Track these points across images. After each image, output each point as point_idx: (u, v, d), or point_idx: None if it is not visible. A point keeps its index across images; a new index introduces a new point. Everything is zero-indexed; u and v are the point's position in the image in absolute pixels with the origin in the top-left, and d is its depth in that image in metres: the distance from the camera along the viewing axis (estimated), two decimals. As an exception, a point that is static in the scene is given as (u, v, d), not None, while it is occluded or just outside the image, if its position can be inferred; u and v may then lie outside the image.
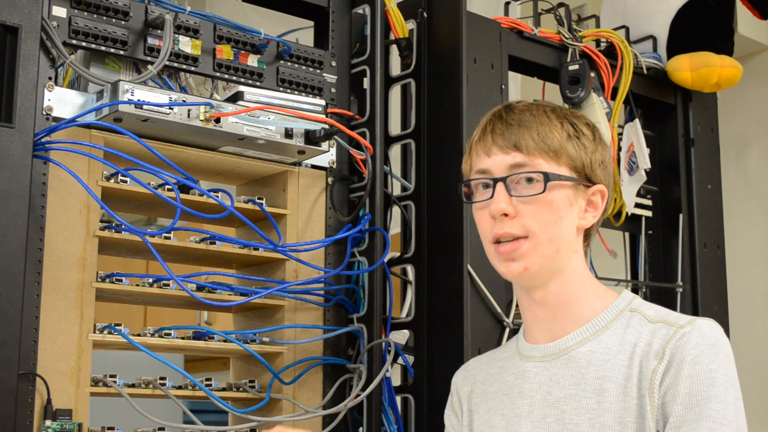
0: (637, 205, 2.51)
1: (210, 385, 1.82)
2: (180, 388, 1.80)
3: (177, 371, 1.72)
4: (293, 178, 1.96)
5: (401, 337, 2.05)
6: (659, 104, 2.60)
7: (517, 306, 2.06)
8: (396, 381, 2.04)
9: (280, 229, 1.88)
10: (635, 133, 2.45)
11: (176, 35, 1.81)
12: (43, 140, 1.63)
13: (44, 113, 1.66)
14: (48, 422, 1.59)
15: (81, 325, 1.66)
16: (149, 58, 1.78)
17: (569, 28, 2.35)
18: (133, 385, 1.74)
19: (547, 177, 1.42)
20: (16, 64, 1.64)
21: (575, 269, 1.48)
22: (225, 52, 1.87)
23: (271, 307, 1.94)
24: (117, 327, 1.70)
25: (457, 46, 2.04)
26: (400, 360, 2.02)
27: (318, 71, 2.01)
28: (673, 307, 2.49)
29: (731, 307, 2.61)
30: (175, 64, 1.81)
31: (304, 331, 1.92)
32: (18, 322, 1.57)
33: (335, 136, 1.95)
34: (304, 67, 1.99)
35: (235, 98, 1.84)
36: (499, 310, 2.02)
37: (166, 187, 1.76)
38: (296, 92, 1.96)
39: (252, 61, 1.91)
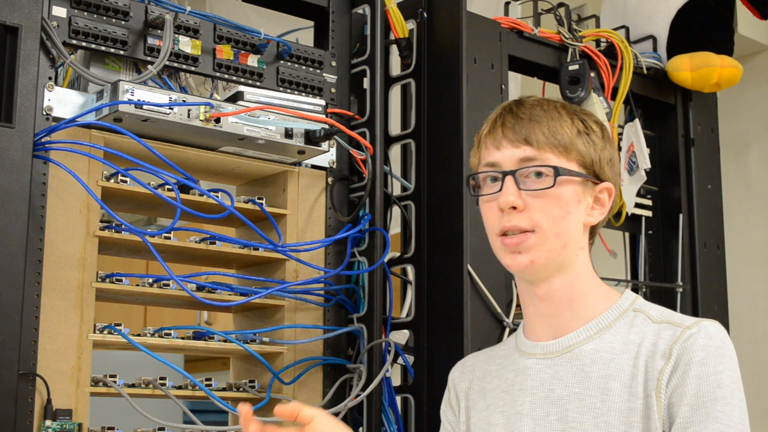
0: (637, 205, 2.51)
1: (210, 385, 1.82)
2: (180, 388, 1.80)
3: (177, 371, 1.72)
4: (293, 178, 1.96)
5: (401, 337, 2.05)
6: (659, 104, 2.60)
7: (517, 306, 2.07)
8: (396, 381, 2.04)
9: (280, 229, 1.88)
10: (635, 133, 2.45)
11: (176, 35, 1.81)
12: (43, 140, 1.63)
13: (44, 113, 1.66)
14: (48, 422, 1.59)
15: (81, 325, 1.66)
16: (149, 58, 1.78)
17: (569, 28, 2.35)
18: (133, 385, 1.74)
19: (557, 171, 1.42)
20: (16, 64, 1.64)
21: (580, 266, 1.48)
22: (225, 52, 1.87)
23: (271, 307, 1.94)
24: (117, 327, 1.70)
25: (457, 46, 2.04)
26: (400, 360, 2.02)
27: (318, 71, 2.01)
28: (673, 307, 2.49)
29: (731, 307, 2.61)
30: (175, 64, 1.81)
31: (304, 331, 1.92)
32: (18, 322, 1.57)
33: (335, 136, 1.95)
34: (304, 67, 1.99)
35: (235, 98, 1.84)
36: (499, 310, 2.02)
37: (166, 187, 1.76)
38: (296, 92, 1.96)
39: (252, 61, 1.91)
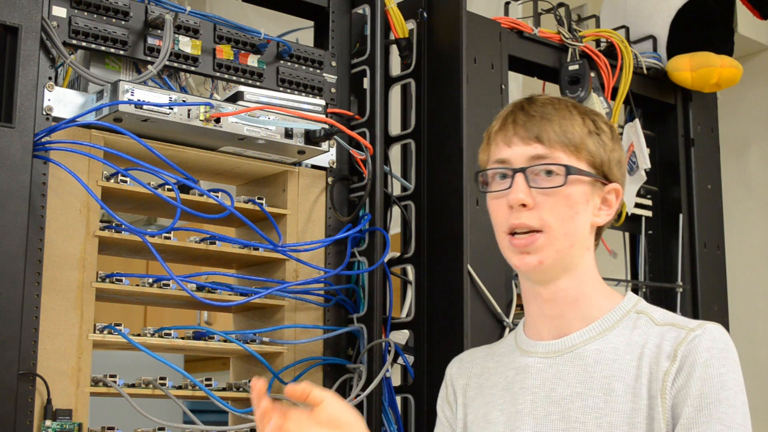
0: (637, 205, 2.51)
1: (210, 385, 1.82)
2: (180, 388, 1.80)
3: (177, 371, 1.72)
4: (293, 178, 1.96)
5: (401, 337, 2.05)
6: (659, 104, 2.60)
7: (517, 306, 2.07)
8: (396, 381, 2.04)
9: (280, 229, 1.88)
10: (635, 133, 2.45)
11: (176, 35, 1.81)
12: (43, 140, 1.63)
13: (44, 113, 1.66)
14: (48, 422, 1.59)
15: (81, 325, 1.66)
16: (149, 58, 1.78)
17: (569, 28, 2.35)
18: (133, 385, 1.74)
19: (569, 170, 1.42)
20: (16, 64, 1.64)
21: (586, 267, 1.48)
22: (225, 52, 1.87)
23: (271, 307, 1.94)
24: (117, 327, 1.70)
25: (457, 46, 2.04)
26: (400, 360, 2.02)
27: (318, 71, 2.01)
28: (673, 307, 2.50)
29: (731, 307, 2.61)
30: (175, 64, 1.81)
31: (304, 331, 1.92)
32: (18, 322, 1.57)
33: (335, 136, 1.95)
34: (304, 67, 1.99)
35: (235, 98, 1.84)
36: (499, 310, 2.02)
37: (166, 187, 1.76)
38: (296, 92, 1.96)
39: (252, 61, 1.91)
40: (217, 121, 1.76)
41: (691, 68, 2.51)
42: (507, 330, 2.03)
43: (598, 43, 2.48)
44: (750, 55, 3.70)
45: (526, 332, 1.54)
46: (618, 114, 2.37)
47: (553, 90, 2.42)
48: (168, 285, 1.77)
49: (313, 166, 2.00)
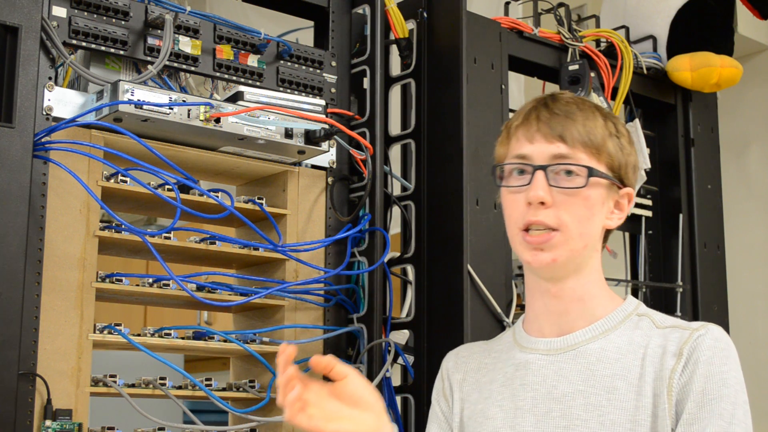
0: (637, 205, 2.51)
1: (210, 385, 1.82)
2: (180, 388, 1.80)
3: (177, 371, 1.72)
4: (293, 178, 1.96)
5: (401, 337, 2.05)
6: (659, 104, 2.60)
7: (517, 306, 2.07)
8: (396, 381, 2.04)
9: (280, 229, 1.88)
10: (635, 133, 2.45)
11: (176, 35, 1.81)
12: (43, 140, 1.63)
13: (44, 113, 1.66)
14: (48, 422, 1.59)
15: (81, 325, 1.66)
16: (149, 58, 1.78)
17: (569, 28, 2.35)
18: (133, 385, 1.74)
19: (591, 172, 1.42)
20: (16, 64, 1.64)
21: (593, 268, 1.49)
22: (225, 52, 1.87)
23: (271, 307, 1.94)
24: (117, 327, 1.70)
25: (457, 46, 2.04)
26: (400, 360, 2.02)
27: (318, 71, 2.01)
28: (673, 307, 2.50)
29: (731, 307, 2.61)
30: (175, 64, 1.81)
31: (304, 331, 1.92)
32: (18, 322, 1.57)
33: (335, 136, 1.95)
34: (304, 67, 1.99)
35: (235, 98, 1.84)
36: (499, 310, 2.02)
37: (166, 187, 1.76)
38: (296, 92, 1.96)
39: (252, 61, 1.91)
40: (217, 121, 1.76)
41: (691, 68, 2.51)
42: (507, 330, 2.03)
43: (598, 43, 2.48)
44: (750, 55, 3.70)
45: (526, 329, 1.54)
46: (618, 114, 2.37)
47: (553, 90, 2.42)
48: (168, 285, 1.77)
49: (313, 166, 2.00)
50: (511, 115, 2.17)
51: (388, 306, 2.01)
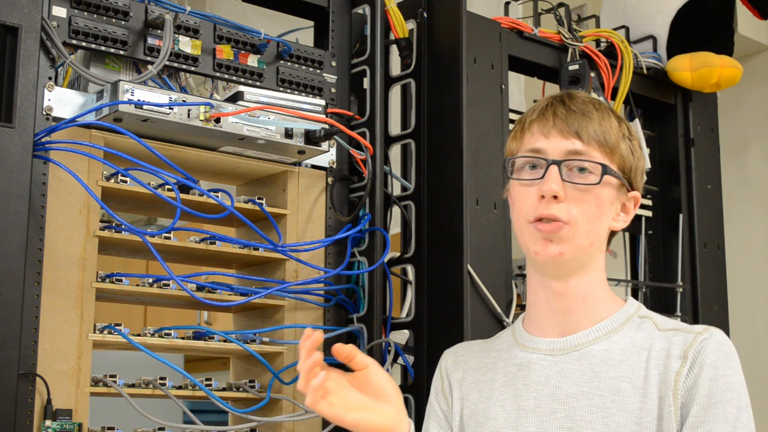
0: (637, 205, 2.50)
1: (210, 385, 1.82)
2: (180, 388, 1.80)
3: (177, 371, 1.72)
4: (293, 178, 1.96)
5: (401, 337, 2.05)
6: (659, 104, 2.60)
7: (517, 306, 2.07)
8: (396, 381, 2.03)
9: (280, 229, 1.88)
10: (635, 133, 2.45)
11: (176, 35, 1.81)
12: (43, 140, 1.63)
13: (44, 113, 1.66)
14: (48, 422, 1.59)
15: (81, 325, 1.66)
16: (149, 58, 1.78)
17: (569, 28, 2.35)
18: (133, 385, 1.74)
19: (605, 170, 1.43)
20: (16, 64, 1.64)
21: (597, 268, 1.50)
22: (225, 52, 1.87)
23: (271, 307, 1.94)
24: (117, 327, 1.70)
25: (457, 46, 2.04)
26: (400, 360, 2.02)
27: (318, 71, 2.01)
28: (673, 307, 2.50)
29: (731, 307, 2.61)
30: (175, 64, 1.81)
31: (304, 331, 1.92)
32: (18, 322, 1.57)
33: (335, 136, 1.95)
34: (304, 67, 1.99)
35: (235, 98, 1.84)
36: (498, 310, 2.02)
37: (166, 187, 1.76)
38: (296, 92, 1.96)
39: (252, 61, 1.91)
40: (217, 121, 1.76)
41: (691, 68, 2.51)
42: (507, 330, 2.03)
43: (598, 43, 2.48)
44: (750, 55, 3.70)
45: (527, 328, 1.54)
46: (618, 114, 2.37)
47: (553, 90, 2.42)
48: (168, 285, 1.77)
49: (313, 166, 2.00)
50: (511, 115, 2.18)
51: (388, 306, 2.01)
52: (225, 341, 1.84)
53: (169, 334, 1.79)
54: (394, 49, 2.18)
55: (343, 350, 1.36)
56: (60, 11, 1.69)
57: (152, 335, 1.78)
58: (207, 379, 1.82)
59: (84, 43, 1.71)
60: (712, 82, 2.51)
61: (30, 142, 1.62)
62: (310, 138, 1.89)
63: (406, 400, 2.02)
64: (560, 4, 2.35)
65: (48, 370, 1.61)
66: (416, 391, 2.00)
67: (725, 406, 1.35)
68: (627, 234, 2.60)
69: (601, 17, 2.64)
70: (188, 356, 4.28)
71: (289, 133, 1.86)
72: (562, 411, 1.43)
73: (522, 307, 2.03)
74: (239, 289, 1.87)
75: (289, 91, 1.95)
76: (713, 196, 2.62)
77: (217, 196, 1.77)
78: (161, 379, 1.77)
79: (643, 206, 2.55)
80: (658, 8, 2.59)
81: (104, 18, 1.73)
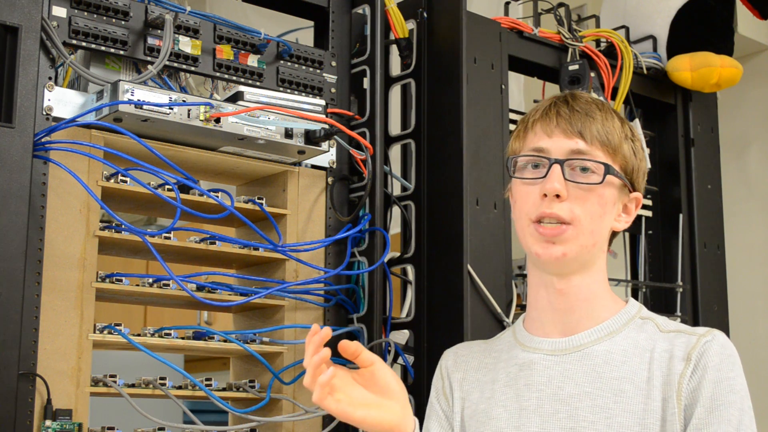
0: (638, 206, 2.50)
1: (210, 385, 1.82)
2: (180, 388, 1.80)
3: (177, 371, 1.72)
4: (293, 178, 1.96)
5: (401, 337, 2.05)
6: (659, 104, 2.60)
7: (517, 306, 2.07)
8: (396, 381, 2.04)
9: (280, 229, 1.88)
10: (635, 133, 2.45)
11: (176, 35, 1.81)
12: (43, 140, 1.63)
13: (44, 113, 1.66)
14: (48, 422, 1.59)
15: (81, 325, 1.66)
16: (149, 58, 1.78)
17: (569, 28, 2.35)
18: (133, 385, 1.74)
19: (608, 170, 1.44)
20: (16, 64, 1.64)
21: (599, 268, 1.50)
22: (225, 52, 1.87)
23: (271, 307, 1.94)
24: (117, 327, 1.70)
25: (457, 46, 2.04)
26: (400, 360, 2.02)
27: (318, 71, 2.01)
28: (673, 307, 2.50)
29: (731, 307, 2.61)
30: (175, 64, 1.81)
31: (304, 331, 1.92)
32: (18, 322, 1.57)
33: (335, 136, 1.95)
34: (304, 67, 1.99)
35: (235, 98, 1.84)
36: (498, 310, 2.02)
37: (166, 187, 1.76)
38: (296, 92, 1.96)
39: (252, 61, 1.91)
40: (217, 121, 1.76)
41: (691, 68, 2.51)
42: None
43: (598, 43, 2.48)
44: (750, 55, 3.70)
45: (528, 328, 1.54)
46: (618, 114, 2.37)
47: (553, 90, 2.42)
48: (168, 285, 1.77)
49: (313, 166, 2.00)
50: (511, 115, 2.18)
51: (388, 306, 2.01)
52: (225, 341, 1.84)
53: (169, 334, 1.79)
54: (394, 49, 2.19)
55: (349, 347, 1.37)
56: (60, 11, 1.69)
57: (152, 335, 1.78)
58: (207, 379, 1.82)
59: (84, 43, 1.71)
60: (712, 82, 2.51)
61: (30, 142, 1.62)
62: (310, 138, 1.89)
63: (406, 400, 2.03)
64: (560, 4, 2.35)
65: (48, 370, 1.61)
66: (416, 391, 2.00)
67: (728, 409, 1.36)
68: (627, 234, 2.60)
69: (601, 17, 2.64)
70: (188, 356, 4.28)
71: (289, 133, 1.86)
72: (565, 411, 1.42)
73: (522, 308, 2.03)
74: (239, 289, 1.87)
75: (289, 91, 1.95)
76: (713, 196, 2.62)
77: (217, 196, 1.77)
78: (161, 379, 1.77)
79: (643, 206, 2.54)
80: (658, 8, 2.59)
81: (104, 18, 1.73)
